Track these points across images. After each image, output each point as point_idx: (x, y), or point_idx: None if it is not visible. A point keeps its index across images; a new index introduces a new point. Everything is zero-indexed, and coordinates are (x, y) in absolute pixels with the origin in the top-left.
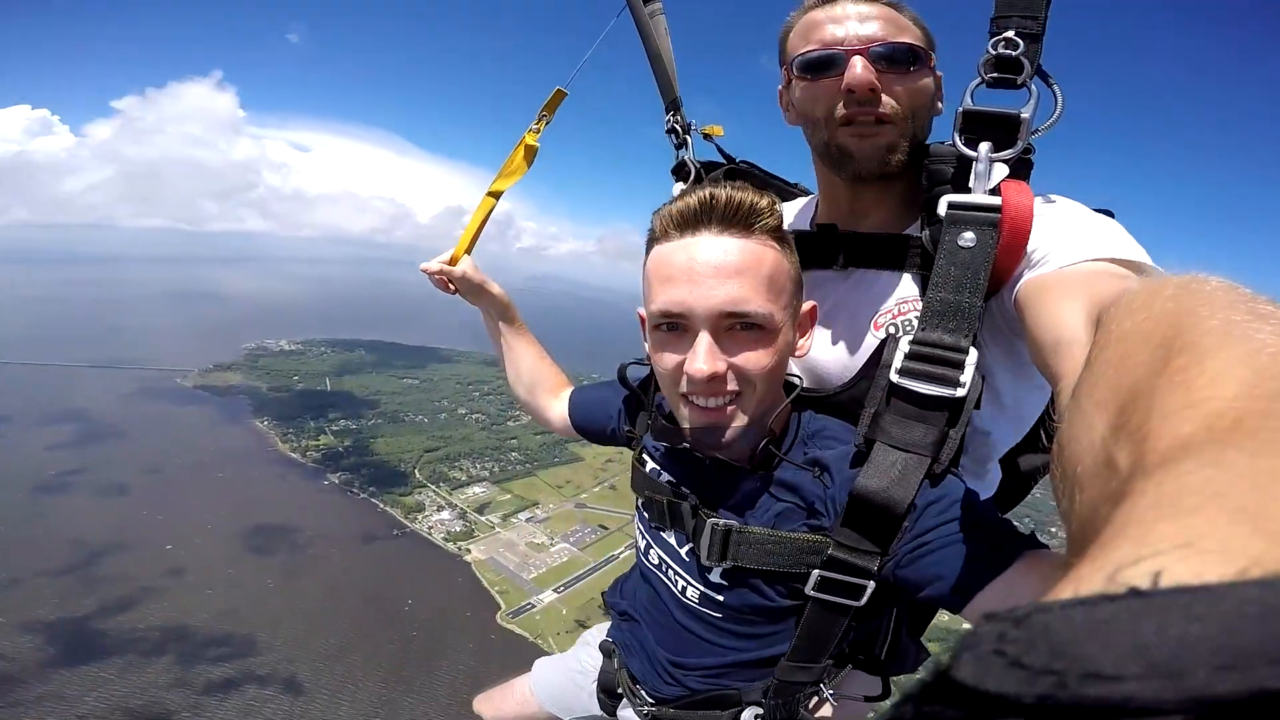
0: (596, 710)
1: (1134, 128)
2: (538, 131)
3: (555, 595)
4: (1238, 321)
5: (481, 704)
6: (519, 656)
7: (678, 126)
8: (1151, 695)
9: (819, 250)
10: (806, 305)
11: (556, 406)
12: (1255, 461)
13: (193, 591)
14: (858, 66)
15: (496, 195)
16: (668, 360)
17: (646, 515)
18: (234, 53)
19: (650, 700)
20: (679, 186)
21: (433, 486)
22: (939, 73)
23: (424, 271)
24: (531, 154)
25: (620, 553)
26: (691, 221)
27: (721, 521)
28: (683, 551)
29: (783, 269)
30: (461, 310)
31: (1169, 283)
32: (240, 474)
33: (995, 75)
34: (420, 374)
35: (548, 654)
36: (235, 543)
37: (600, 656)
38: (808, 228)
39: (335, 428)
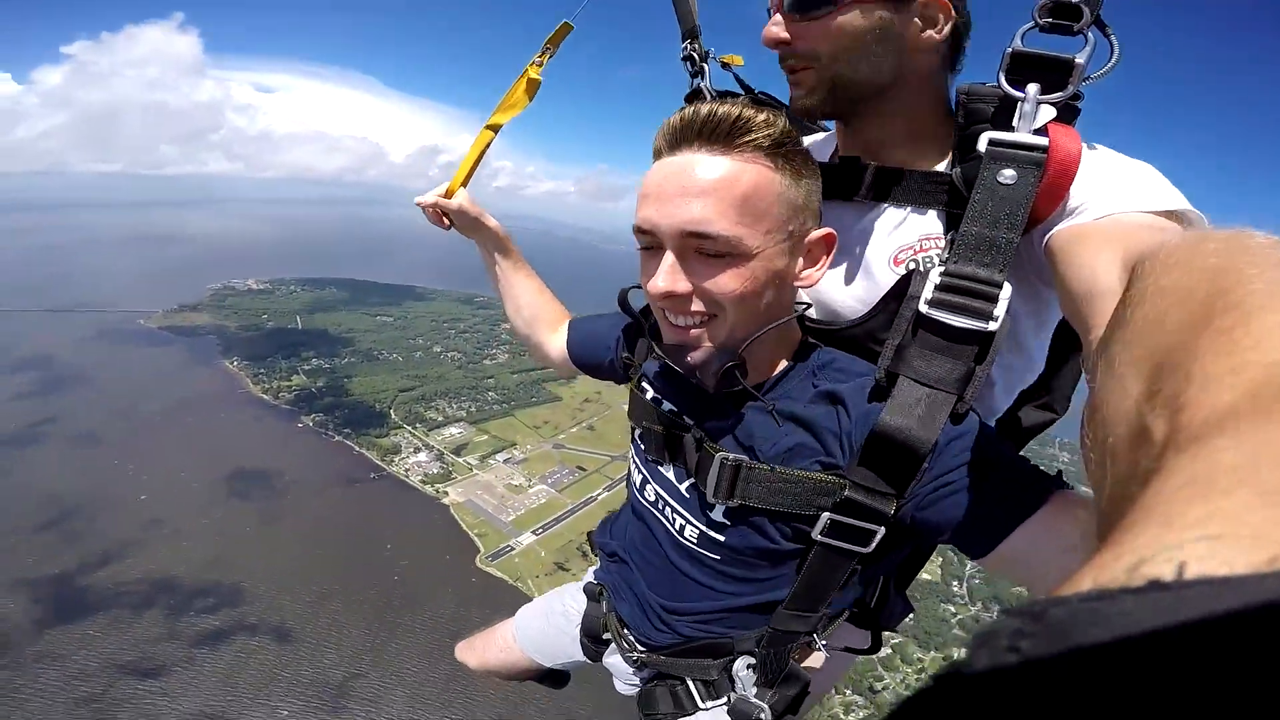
0: (580, 657)
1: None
2: (540, 64)
3: (534, 538)
4: None
5: (464, 651)
6: (499, 600)
7: (695, 54)
8: (1171, 695)
9: (840, 182)
10: (818, 232)
11: (555, 340)
12: None
13: (174, 542)
14: (769, 22)
15: (495, 128)
16: (645, 279)
17: (643, 447)
18: None
19: (640, 646)
20: None
21: (409, 428)
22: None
23: (419, 204)
24: (534, 87)
25: (599, 494)
26: (675, 139)
27: (731, 456)
28: (683, 487)
29: (768, 189)
30: (437, 247)
31: (1212, 237)
32: (212, 418)
33: (1050, 20)
34: (395, 311)
35: (528, 597)
36: (213, 490)
37: (585, 600)
38: (829, 160)
39: (308, 367)
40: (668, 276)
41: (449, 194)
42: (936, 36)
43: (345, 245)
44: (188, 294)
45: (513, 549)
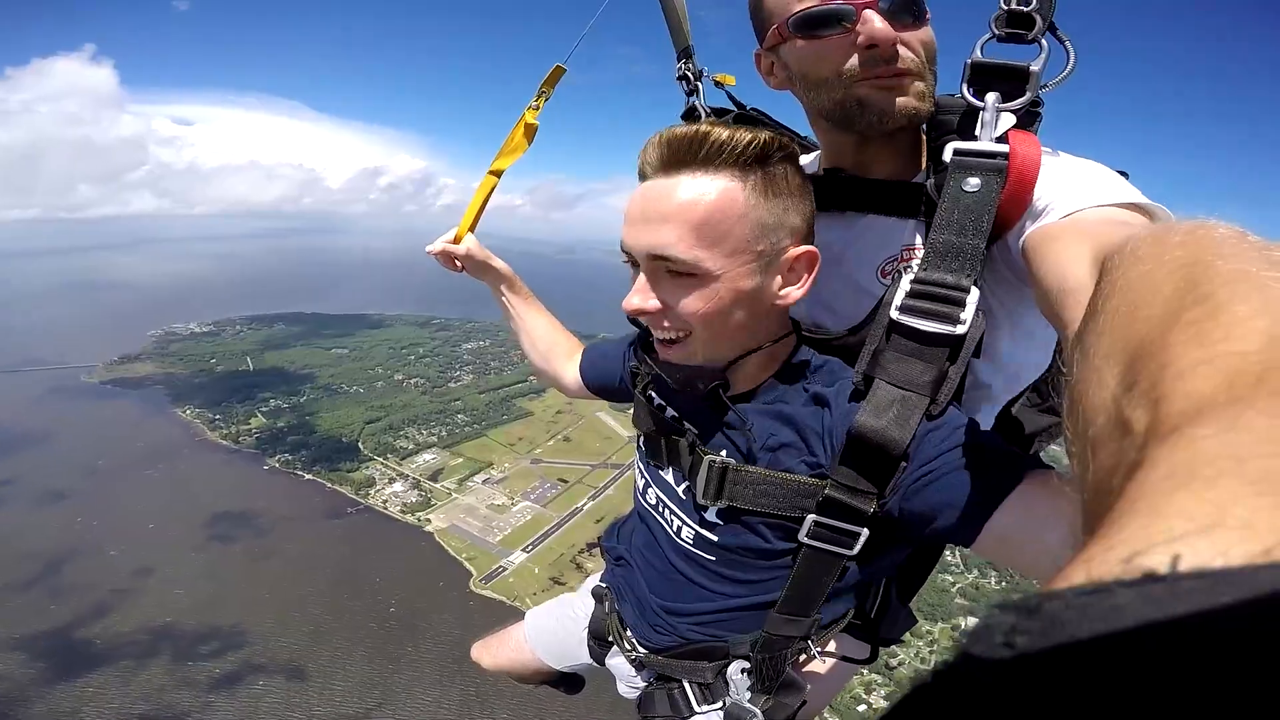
0: (586, 658)
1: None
2: (537, 109)
3: (525, 555)
4: (1252, 271)
5: (479, 651)
6: (501, 621)
7: (689, 73)
8: (1167, 689)
9: (825, 195)
10: (797, 250)
11: (570, 370)
12: None
13: (165, 589)
14: (876, 21)
15: (498, 174)
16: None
17: (645, 452)
18: (108, 23)
19: (639, 648)
20: None
21: (380, 459)
22: None
23: (429, 253)
24: (532, 132)
25: (584, 504)
26: (649, 162)
27: (719, 458)
28: (680, 490)
29: (730, 210)
30: (385, 272)
31: (1176, 229)
32: (175, 468)
33: (1007, 30)
34: (350, 342)
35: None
36: (193, 535)
37: (593, 602)
38: (816, 173)
39: (266, 408)
40: (639, 295)
41: (456, 240)
42: None
43: (290, 278)
44: (128, 343)
45: (505, 569)
